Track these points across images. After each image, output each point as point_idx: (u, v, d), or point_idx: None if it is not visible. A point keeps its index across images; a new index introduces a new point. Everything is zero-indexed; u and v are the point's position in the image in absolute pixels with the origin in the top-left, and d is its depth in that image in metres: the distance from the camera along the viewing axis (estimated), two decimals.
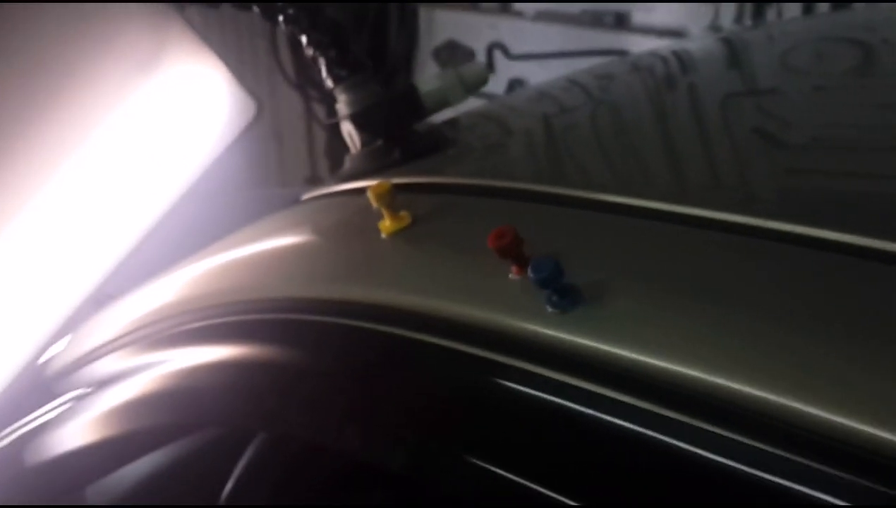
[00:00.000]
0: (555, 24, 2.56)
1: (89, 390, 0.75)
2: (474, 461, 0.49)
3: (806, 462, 0.37)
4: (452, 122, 0.87)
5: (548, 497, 0.45)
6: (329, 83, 0.77)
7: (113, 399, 0.72)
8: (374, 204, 0.59)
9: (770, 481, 0.38)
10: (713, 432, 0.40)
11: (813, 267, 0.46)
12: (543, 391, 0.47)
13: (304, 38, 0.77)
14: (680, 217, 0.53)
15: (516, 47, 2.72)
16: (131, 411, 0.70)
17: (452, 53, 2.92)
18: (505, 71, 2.64)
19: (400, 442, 0.52)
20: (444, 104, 0.80)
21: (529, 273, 0.47)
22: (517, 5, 2.63)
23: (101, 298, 0.81)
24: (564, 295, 0.48)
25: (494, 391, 0.50)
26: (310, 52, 0.77)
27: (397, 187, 0.68)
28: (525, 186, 0.62)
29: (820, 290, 0.45)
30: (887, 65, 0.77)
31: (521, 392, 0.48)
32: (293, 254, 0.66)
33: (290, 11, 0.77)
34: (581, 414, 0.46)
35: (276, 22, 0.78)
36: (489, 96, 1.60)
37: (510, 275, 0.50)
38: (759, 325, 0.43)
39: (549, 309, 0.48)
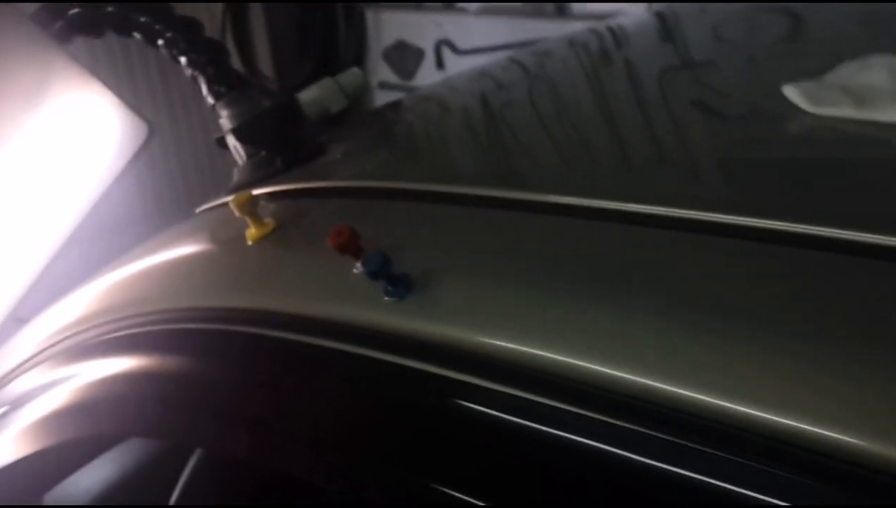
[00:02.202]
0: (498, 16, 2.60)
1: (6, 409, 0.78)
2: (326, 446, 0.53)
3: (616, 422, 0.40)
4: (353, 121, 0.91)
5: (392, 470, 0.49)
6: (210, 100, 0.81)
7: (28, 416, 0.76)
8: (238, 214, 0.63)
9: (584, 443, 0.42)
10: (536, 401, 0.44)
11: (628, 239, 0.50)
12: (386, 375, 0.51)
13: (183, 60, 0.81)
14: (515, 203, 0.58)
15: (463, 42, 2.76)
16: (44, 427, 0.74)
17: (402, 53, 2.96)
18: (454, 66, 2.67)
19: (264, 433, 0.56)
20: (325, 111, 0.84)
21: (360, 267, 0.51)
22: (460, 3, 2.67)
23: (13, 323, 0.84)
24: (397, 284, 0.52)
25: (344, 380, 0.54)
26: (189, 71, 0.81)
27: (278, 194, 0.72)
28: (381, 184, 0.66)
29: (632, 263, 0.48)
30: (815, 32, 0.82)
31: (368, 377, 0.52)
32: (177, 265, 0.70)
33: (169, 35, 0.80)
34: (420, 393, 0.50)
35: (156, 46, 0.82)
36: None
37: (354, 270, 0.54)
38: (577, 301, 0.46)
39: (386, 299, 0.52)
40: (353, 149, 0.84)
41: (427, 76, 2.75)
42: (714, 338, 0.40)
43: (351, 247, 0.53)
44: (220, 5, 2.85)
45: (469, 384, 0.47)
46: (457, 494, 0.45)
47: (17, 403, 0.77)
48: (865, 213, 0.46)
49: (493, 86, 0.95)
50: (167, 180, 2.38)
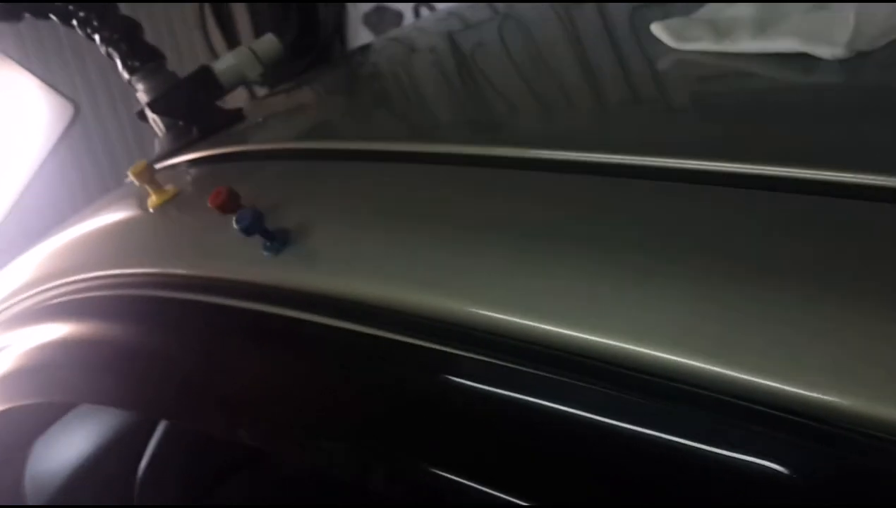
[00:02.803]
0: None
1: None
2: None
3: (499, 362, 0.42)
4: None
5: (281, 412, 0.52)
6: (126, 74, 0.83)
7: None
8: (136, 183, 0.65)
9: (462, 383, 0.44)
10: (406, 342, 0.46)
11: (488, 179, 0.53)
12: (271, 326, 0.54)
13: (97, 37, 0.83)
14: (392, 154, 0.60)
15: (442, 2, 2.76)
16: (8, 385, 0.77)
17: (381, 17, 2.96)
18: None
19: (172, 391, 0.59)
20: (241, 79, 0.87)
21: (234, 224, 0.54)
22: None
23: None
24: (273, 239, 0.55)
25: (232, 334, 0.56)
26: (103, 49, 0.83)
27: (192, 162, 0.75)
28: (276, 146, 0.69)
29: (491, 204, 0.51)
30: None
31: (255, 330, 0.55)
32: (94, 234, 0.73)
33: (81, 14, 0.83)
34: (303, 341, 0.53)
35: (71, 25, 0.84)
36: None
37: (235, 230, 0.57)
38: (441, 244, 0.49)
39: (265, 254, 0.55)
40: (269, 114, 0.86)
41: None
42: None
43: (230, 206, 0.56)
44: None
45: (340, 328, 0.50)
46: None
47: None
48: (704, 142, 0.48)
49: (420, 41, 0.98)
50: (92, 158, 2.41)
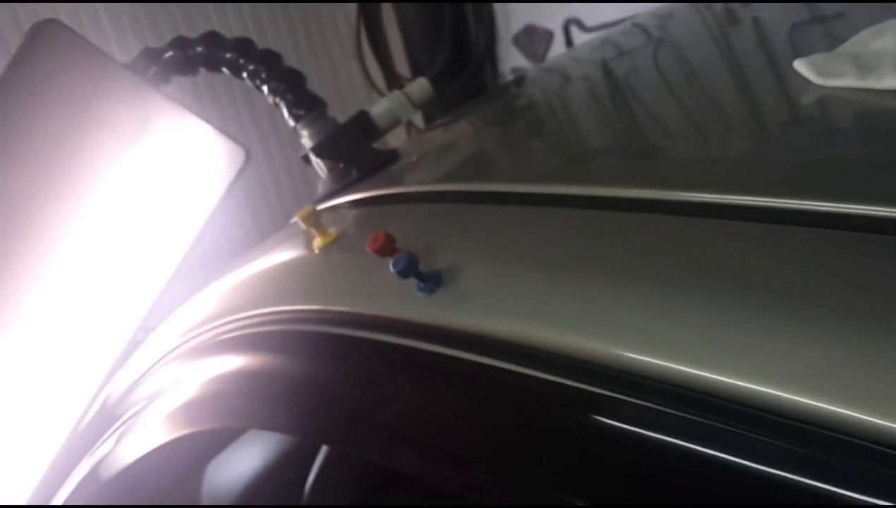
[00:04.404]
0: None
1: (140, 406, 0.90)
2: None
3: (668, 409, 0.42)
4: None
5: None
6: (291, 122, 0.90)
7: (161, 409, 0.87)
8: (303, 226, 0.71)
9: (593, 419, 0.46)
10: (560, 383, 0.48)
11: (649, 228, 0.54)
12: (424, 361, 0.58)
13: (265, 88, 0.90)
14: (547, 198, 0.63)
15: (592, 19, 2.77)
16: (176, 418, 0.84)
17: (531, 37, 3.00)
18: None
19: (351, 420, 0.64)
20: (396, 121, 0.92)
21: (391, 267, 0.58)
22: None
23: (141, 336, 0.96)
24: (426, 280, 0.58)
25: (391, 369, 0.61)
26: (271, 98, 0.90)
27: (352, 203, 0.80)
28: (428, 189, 0.73)
29: (641, 250, 0.53)
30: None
31: (409, 365, 0.59)
32: (263, 273, 0.79)
33: (251, 67, 0.90)
34: (453, 376, 0.56)
35: (241, 77, 0.91)
36: None
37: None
38: (594, 285, 0.51)
39: (419, 294, 0.59)
40: (422, 154, 0.91)
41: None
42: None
43: (387, 250, 0.60)
44: (354, 8, 2.97)
45: (488, 366, 0.53)
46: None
47: (152, 397, 0.88)
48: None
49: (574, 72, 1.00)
50: (263, 200, 2.56)
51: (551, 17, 2.91)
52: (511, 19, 2.99)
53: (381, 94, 2.09)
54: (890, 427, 0.34)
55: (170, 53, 0.90)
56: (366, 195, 0.81)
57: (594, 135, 0.82)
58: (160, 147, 0.88)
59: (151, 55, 0.90)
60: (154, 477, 1.00)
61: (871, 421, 0.35)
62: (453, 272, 0.58)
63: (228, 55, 0.90)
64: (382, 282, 0.61)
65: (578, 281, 0.52)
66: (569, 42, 2.84)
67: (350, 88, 2.96)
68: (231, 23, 2.90)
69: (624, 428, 0.44)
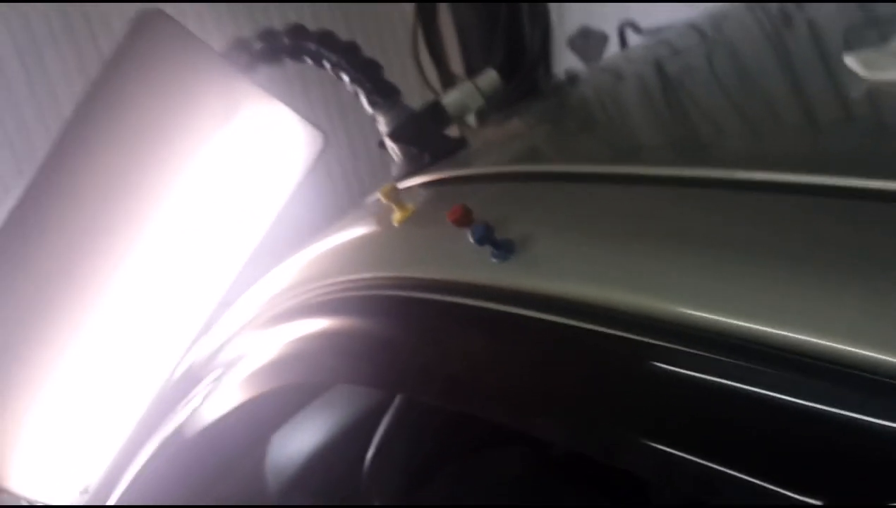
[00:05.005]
0: None
1: (224, 369, 0.97)
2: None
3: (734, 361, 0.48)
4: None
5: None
6: (369, 109, 0.97)
7: (244, 369, 0.94)
8: (384, 201, 0.78)
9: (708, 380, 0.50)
10: (628, 338, 0.54)
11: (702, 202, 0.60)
12: (498, 320, 0.64)
13: (345, 77, 0.97)
14: (592, 175, 0.70)
15: (646, 21, 2.80)
16: (259, 376, 0.92)
17: (585, 39, 3.04)
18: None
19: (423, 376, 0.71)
20: (466, 110, 0.99)
21: (469, 236, 0.65)
22: None
23: (221, 307, 1.04)
24: (500, 247, 0.65)
25: (467, 328, 0.67)
26: (351, 87, 0.97)
27: (425, 184, 0.87)
28: (498, 169, 0.80)
29: (696, 218, 0.59)
30: None
31: (484, 324, 0.66)
32: (348, 244, 0.86)
33: (333, 58, 0.97)
34: (524, 333, 0.63)
35: (323, 66, 0.98)
36: None
37: (470, 240, 0.68)
38: (645, 251, 0.57)
39: (493, 261, 0.65)
40: (488, 141, 0.97)
41: None
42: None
43: (465, 221, 0.66)
44: (410, 7, 3.03)
45: (556, 322, 0.59)
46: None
47: (234, 361, 0.96)
48: None
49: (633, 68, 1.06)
50: (341, 182, 2.65)
51: (606, 19, 2.94)
52: (566, 21, 3.02)
53: (436, 93, 2.16)
54: None
55: (259, 44, 0.98)
56: (437, 176, 0.88)
57: (649, 123, 0.88)
58: (248, 130, 0.95)
59: (242, 45, 0.98)
60: (232, 437, 1.08)
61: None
62: (525, 241, 0.64)
63: (312, 46, 0.97)
64: (459, 251, 0.68)
65: (637, 248, 0.58)
66: (623, 44, 2.87)
67: (405, 86, 3.03)
68: (291, 21, 2.98)
69: (679, 373, 0.50)
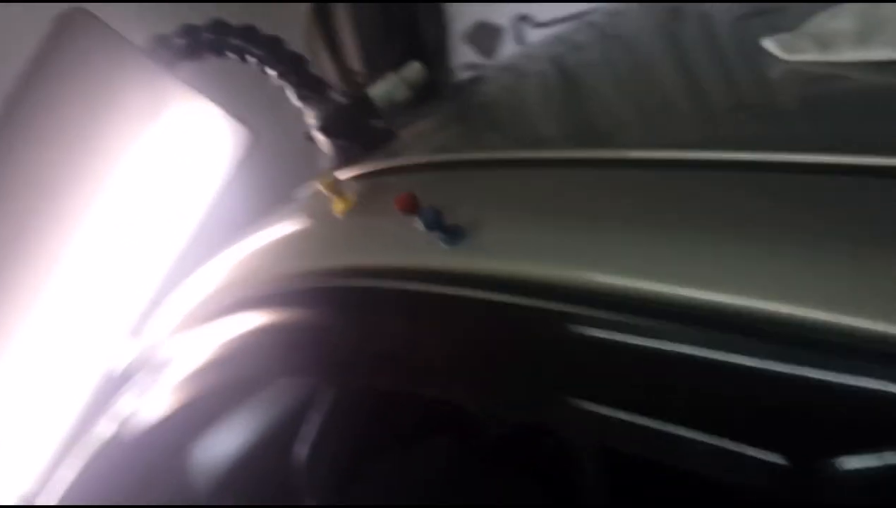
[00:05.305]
0: None
1: (156, 371, 0.96)
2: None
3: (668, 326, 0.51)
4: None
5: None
6: (296, 102, 0.97)
7: (178, 370, 0.93)
8: (325, 192, 0.78)
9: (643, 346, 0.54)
10: (568, 312, 0.57)
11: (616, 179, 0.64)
12: (449, 303, 0.66)
13: (270, 71, 0.97)
14: (535, 160, 0.72)
15: (542, 15, 2.85)
16: (195, 376, 0.91)
17: (481, 33, 3.08)
18: (535, 39, 2.77)
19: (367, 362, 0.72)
20: (392, 102, 1.00)
21: (418, 222, 0.66)
22: None
23: (151, 306, 1.02)
24: (449, 232, 0.66)
25: (412, 313, 0.69)
26: (277, 82, 0.97)
27: (359, 176, 0.87)
28: (433, 158, 0.81)
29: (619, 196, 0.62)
30: None
31: (436, 308, 0.67)
32: (285, 238, 0.86)
33: (257, 52, 0.97)
34: (479, 316, 0.64)
35: (247, 61, 0.98)
36: None
37: (416, 227, 0.69)
38: (576, 229, 0.60)
39: (443, 246, 0.66)
40: (417, 131, 0.99)
41: (508, 52, 2.85)
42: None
43: (412, 208, 0.68)
44: (307, 7, 3.01)
45: (507, 303, 0.61)
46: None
47: (164, 364, 0.94)
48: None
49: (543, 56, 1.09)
50: (266, 177, 2.64)
51: (501, 14, 2.99)
52: (462, 16, 3.05)
53: (360, 87, 2.15)
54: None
55: (180, 40, 0.96)
56: (372, 168, 0.88)
57: (562, 114, 0.91)
58: (173, 128, 0.94)
59: (163, 42, 0.96)
60: (163, 442, 1.06)
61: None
62: (473, 225, 0.66)
63: (235, 41, 0.96)
64: (408, 238, 0.69)
65: (570, 227, 0.61)
66: (519, 38, 2.92)
67: None
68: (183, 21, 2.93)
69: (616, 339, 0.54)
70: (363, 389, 1.27)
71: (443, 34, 3.06)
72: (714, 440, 0.49)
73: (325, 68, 2.93)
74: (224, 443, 1.31)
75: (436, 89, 1.14)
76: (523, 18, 2.88)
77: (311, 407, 1.26)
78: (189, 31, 0.97)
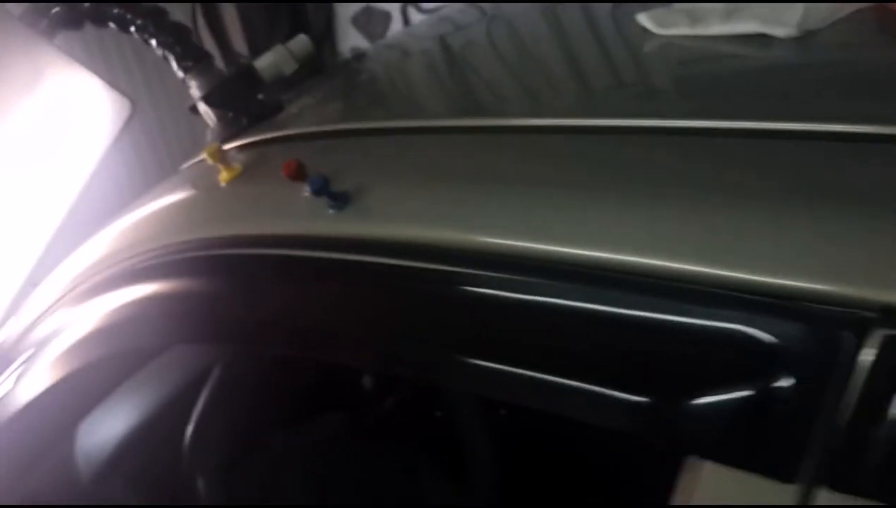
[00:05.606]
0: None
1: (36, 349, 0.93)
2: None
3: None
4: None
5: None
6: (180, 73, 0.95)
7: (60, 345, 0.91)
8: (210, 161, 0.78)
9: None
10: (437, 269, 0.59)
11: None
12: (336, 267, 0.67)
13: (153, 42, 0.95)
14: (423, 129, 0.73)
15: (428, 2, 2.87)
16: (72, 353, 0.89)
17: (369, 18, 3.07)
18: None
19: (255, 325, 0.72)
20: (279, 74, 0.99)
21: (306, 188, 0.66)
22: None
23: (29, 288, 0.99)
24: (337, 198, 0.67)
25: (308, 279, 0.69)
26: (160, 51, 0.95)
27: (245, 146, 0.87)
28: (318, 129, 0.82)
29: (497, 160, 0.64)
30: None
31: (323, 273, 0.68)
32: (170, 208, 0.85)
33: (139, 22, 0.95)
34: (366, 279, 0.65)
35: (129, 31, 0.96)
36: None
37: (304, 193, 0.69)
38: (457, 193, 0.62)
39: (331, 211, 0.67)
40: (303, 104, 0.99)
41: None
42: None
43: (299, 175, 0.68)
44: None
45: (391, 265, 0.63)
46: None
47: (46, 341, 0.92)
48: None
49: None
50: (151, 151, 2.56)
51: None
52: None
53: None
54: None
55: (57, 8, 0.94)
56: (258, 138, 0.88)
57: (441, 88, 0.93)
58: (51, 98, 0.92)
59: (40, 10, 0.94)
60: (42, 424, 1.03)
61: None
62: (358, 191, 0.67)
63: (115, 10, 0.94)
64: (295, 205, 0.69)
65: (451, 191, 0.63)
66: (406, 22, 2.93)
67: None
68: None
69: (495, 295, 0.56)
70: (250, 367, 1.27)
71: (329, 17, 3.05)
72: (587, 386, 0.51)
73: (208, 47, 2.87)
74: (110, 425, 1.29)
75: (322, 70, 1.14)
76: (411, 4, 2.89)
77: (198, 386, 1.25)
78: (69, 2, 0.94)
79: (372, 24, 3.07)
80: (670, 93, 0.66)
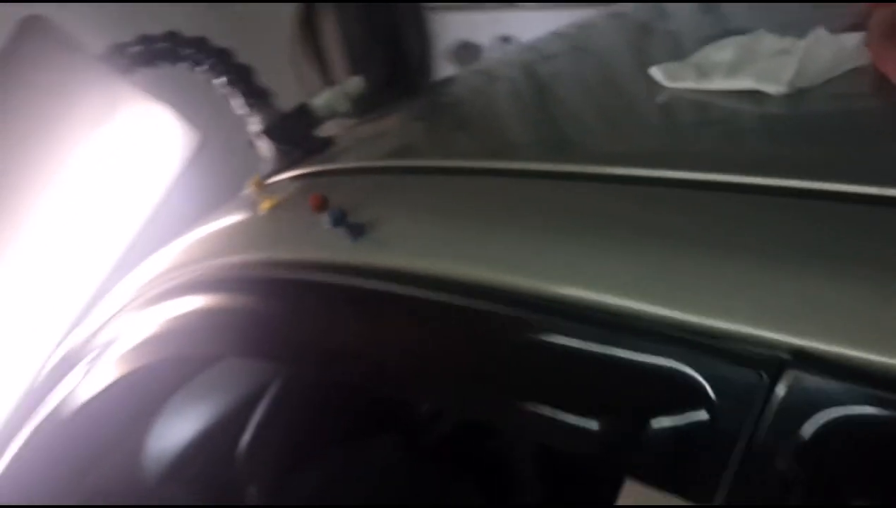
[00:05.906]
0: (556, 9, 2.78)
1: (101, 349, 1.03)
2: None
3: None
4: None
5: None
6: (242, 110, 1.05)
7: (122, 347, 1.00)
8: (253, 191, 0.86)
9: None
10: (452, 303, 0.65)
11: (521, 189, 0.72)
12: (351, 293, 0.73)
13: (220, 80, 1.04)
14: (452, 169, 0.80)
15: (523, 37, 2.94)
16: (137, 352, 0.97)
17: (464, 51, 3.17)
18: None
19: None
20: (333, 112, 1.07)
21: (327, 219, 0.73)
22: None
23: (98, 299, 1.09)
24: (352, 229, 0.74)
25: (325, 301, 0.76)
26: (225, 88, 1.04)
27: (294, 178, 0.95)
28: (357, 165, 0.89)
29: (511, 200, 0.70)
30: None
31: (339, 297, 0.75)
32: (218, 231, 0.93)
33: (208, 61, 1.04)
34: (374, 303, 0.72)
35: (197, 70, 1.05)
36: None
37: (325, 225, 0.76)
38: (475, 229, 0.68)
39: (347, 241, 0.74)
40: (352, 140, 1.06)
41: None
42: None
43: (322, 207, 0.75)
44: (293, 18, 3.09)
45: (403, 294, 0.69)
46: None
47: (110, 342, 1.01)
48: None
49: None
50: (215, 178, 2.73)
51: (484, 34, 3.07)
52: (446, 33, 3.14)
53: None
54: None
55: (136, 48, 1.04)
56: (305, 171, 0.96)
57: (498, 120, 0.99)
58: (126, 130, 1.01)
59: (120, 49, 1.04)
60: (107, 422, 1.13)
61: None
62: (374, 225, 0.74)
63: (187, 50, 1.04)
64: (317, 234, 0.77)
65: (467, 229, 0.68)
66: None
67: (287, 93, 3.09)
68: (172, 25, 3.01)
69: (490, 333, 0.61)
70: (310, 382, 1.34)
71: (426, 49, 3.14)
72: (546, 410, 0.56)
73: (310, 79, 3.00)
74: (179, 429, 1.38)
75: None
76: (505, 39, 2.97)
77: (260, 398, 1.33)
78: (145, 40, 1.04)
79: (466, 57, 3.16)
80: (649, 144, 0.72)
